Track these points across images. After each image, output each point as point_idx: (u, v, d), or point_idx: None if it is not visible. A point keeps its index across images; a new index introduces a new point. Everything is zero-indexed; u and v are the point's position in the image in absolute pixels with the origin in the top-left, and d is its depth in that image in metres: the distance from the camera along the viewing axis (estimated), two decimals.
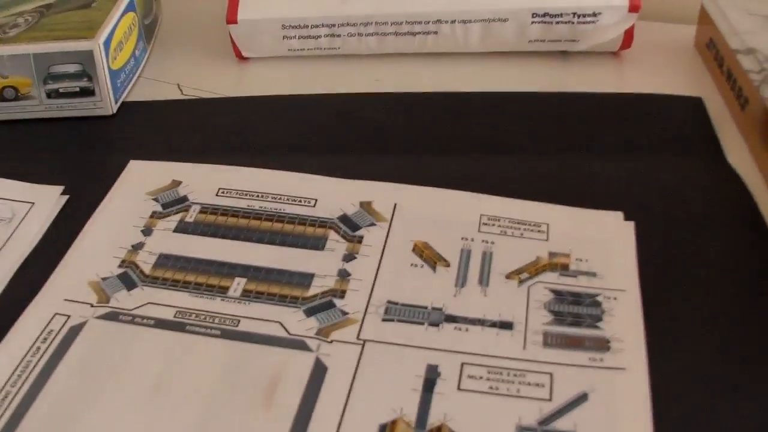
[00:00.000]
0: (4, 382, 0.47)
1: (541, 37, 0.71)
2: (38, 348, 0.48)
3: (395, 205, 0.56)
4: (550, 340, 0.47)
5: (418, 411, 0.44)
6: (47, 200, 0.59)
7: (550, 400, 0.44)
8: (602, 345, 0.47)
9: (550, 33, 0.70)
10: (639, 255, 0.52)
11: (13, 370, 0.47)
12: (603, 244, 0.53)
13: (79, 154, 0.64)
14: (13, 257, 0.55)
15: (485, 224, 0.55)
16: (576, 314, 0.49)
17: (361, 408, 0.44)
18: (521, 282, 0.51)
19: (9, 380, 0.47)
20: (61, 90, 0.65)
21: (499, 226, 0.54)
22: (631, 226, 0.54)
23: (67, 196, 0.59)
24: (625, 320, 0.48)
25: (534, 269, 0.52)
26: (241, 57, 0.74)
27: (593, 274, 0.51)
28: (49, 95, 0.65)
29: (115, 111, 0.67)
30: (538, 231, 0.54)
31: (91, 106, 0.66)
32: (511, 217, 0.55)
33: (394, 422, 0.44)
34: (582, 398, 0.44)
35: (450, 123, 0.64)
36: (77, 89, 0.65)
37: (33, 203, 0.59)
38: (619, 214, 0.55)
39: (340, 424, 0.43)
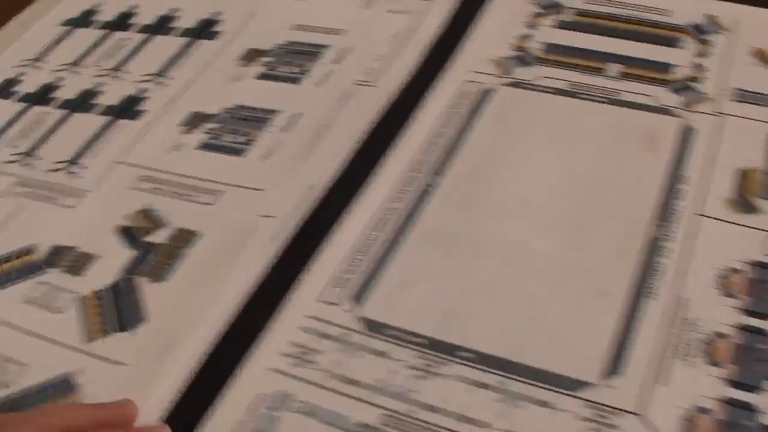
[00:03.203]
0: (432, 125, 0.63)
1: None
2: (456, 103, 0.64)
3: (738, 20, 0.69)
4: None
5: None
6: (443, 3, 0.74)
7: None
8: None
9: None
10: None
11: (438, 115, 0.64)
12: None
13: None
14: (419, 42, 0.71)
15: None
16: None
17: (722, 157, 0.58)
18: None
19: (437, 124, 0.63)
20: None
21: None
22: None
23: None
24: None
25: None
26: None
27: None
28: None
29: None
30: None
31: None
32: None
33: (751, 170, 0.57)
34: None
35: None
36: None
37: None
38: None
39: (707, 167, 0.57)
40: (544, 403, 0.47)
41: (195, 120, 0.68)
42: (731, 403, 0.46)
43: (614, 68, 0.65)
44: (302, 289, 0.54)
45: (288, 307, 0.53)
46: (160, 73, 0.73)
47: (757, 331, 0.49)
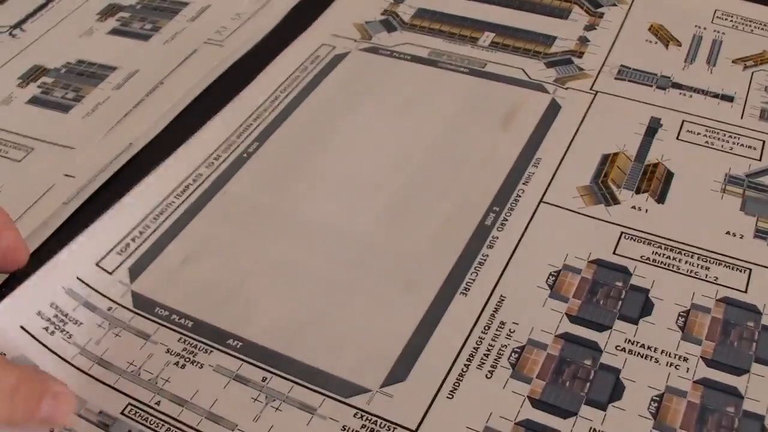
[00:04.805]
0: (275, 89, 0.55)
1: None
2: (306, 67, 0.57)
3: None
4: (767, 116, 0.52)
5: (639, 149, 0.50)
6: None
7: (759, 160, 0.49)
8: None
9: None
10: None
11: (283, 80, 0.56)
12: None
13: None
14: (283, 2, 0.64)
15: (719, 18, 0.59)
16: None
17: (588, 140, 0.50)
18: (746, 68, 0.55)
19: (279, 87, 0.55)
20: None
21: (732, 21, 0.59)
22: None
23: None
24: None
25: (759, 59, 0.56)
26: None
27: None
28: None
29: None
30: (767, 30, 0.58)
31: None
32: (743, 15, 0.59)
33: (616, 154, 0.50)
34: None
35: None
36: None
37: None
38: None
39: (566, 150, 0.50)
40: (307, 408, 0.40)
41: (34, 73, 0.60)
42: (532, 427, 0.38)
43: (489, 38, 0.57)
44: (83, 248, 0.47)
45: (60, 261, 0.46)
46: (16, 25, 0.66)
47: (580, 342, 0.41)
